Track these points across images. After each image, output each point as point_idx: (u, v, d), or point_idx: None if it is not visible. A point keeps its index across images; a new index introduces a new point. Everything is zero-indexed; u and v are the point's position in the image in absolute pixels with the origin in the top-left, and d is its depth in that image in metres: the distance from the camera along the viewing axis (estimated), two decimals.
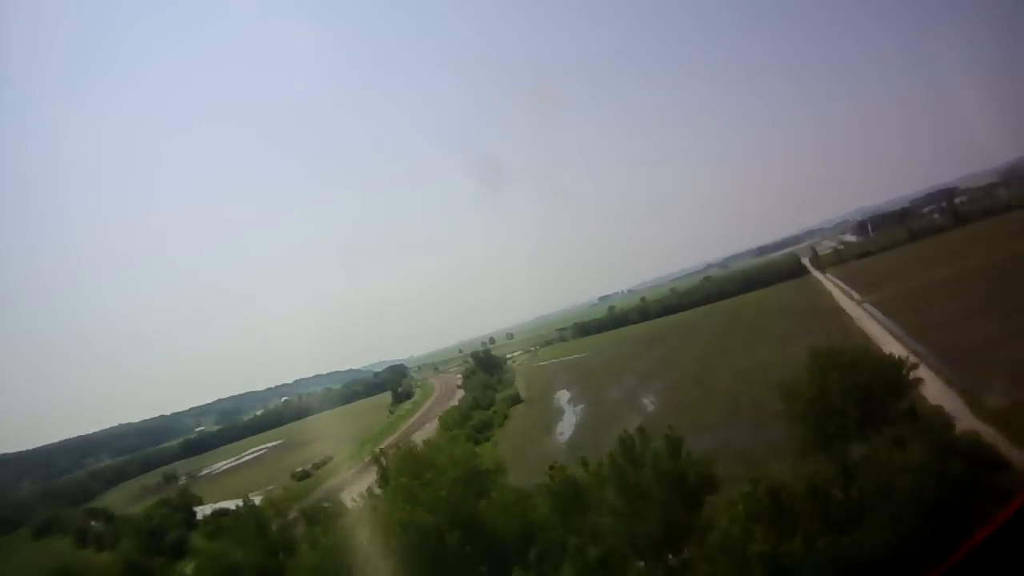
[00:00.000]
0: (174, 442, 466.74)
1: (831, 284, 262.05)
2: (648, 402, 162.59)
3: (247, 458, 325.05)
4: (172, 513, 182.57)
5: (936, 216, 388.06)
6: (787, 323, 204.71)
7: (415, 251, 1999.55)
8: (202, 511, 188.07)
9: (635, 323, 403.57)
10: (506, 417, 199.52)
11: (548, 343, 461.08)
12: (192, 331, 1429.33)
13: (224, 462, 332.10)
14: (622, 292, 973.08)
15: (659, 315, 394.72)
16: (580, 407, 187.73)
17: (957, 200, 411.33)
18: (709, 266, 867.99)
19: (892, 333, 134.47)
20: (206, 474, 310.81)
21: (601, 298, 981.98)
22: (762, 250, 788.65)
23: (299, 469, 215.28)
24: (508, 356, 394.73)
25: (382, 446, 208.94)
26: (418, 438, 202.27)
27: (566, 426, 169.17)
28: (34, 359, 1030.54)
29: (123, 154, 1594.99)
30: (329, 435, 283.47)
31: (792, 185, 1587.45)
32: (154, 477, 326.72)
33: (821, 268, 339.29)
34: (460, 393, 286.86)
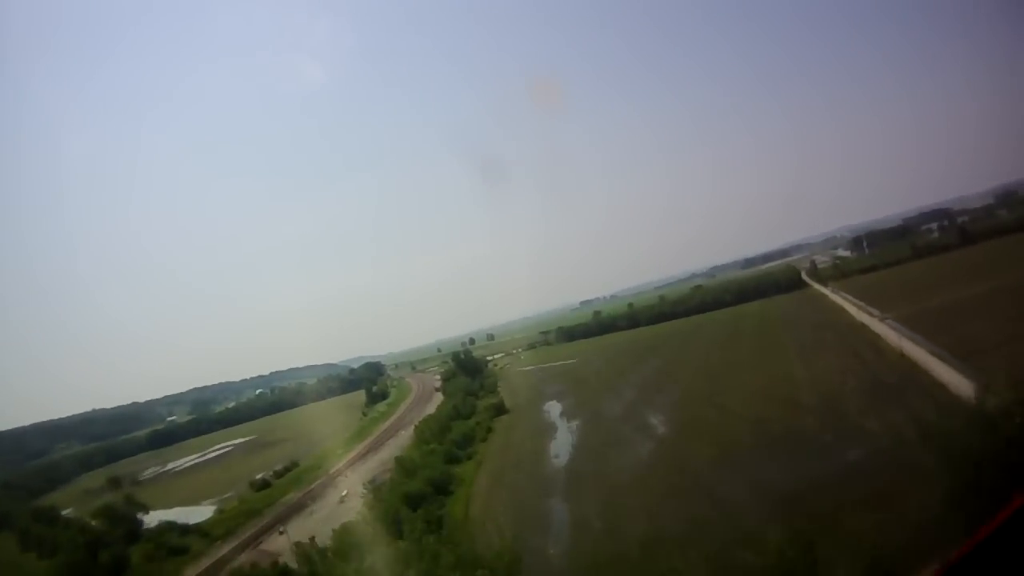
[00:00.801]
0: (142, 432, 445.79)
1: (839, 297, 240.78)
2: (657, 422, 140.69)
3: (213, 455, 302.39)
4: (114, 524, 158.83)
5: (937, 234, 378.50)
6: (800, 336, 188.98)
7: (398, 250, 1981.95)
8: (151, 519, 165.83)
9: (623, 329, 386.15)
10: (490, 430, 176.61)
11: (532, 346, 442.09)
12: (171, 320, 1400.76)
13: (189, 458, 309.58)
14: (605, 297, 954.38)
15: (649, 322, 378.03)
16: (575, 423, 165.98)
17: (959, 220, 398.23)
18: (693, 276, 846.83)
19: (935, 354, 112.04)
20: (169, 470, 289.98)
21: (583, 302, 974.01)
22: (749, 262, 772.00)
23: (259, 476, 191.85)
24: (489, 358, 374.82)
25: (352, 455, 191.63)
26: (389, 450, 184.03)
27: (561, 446, 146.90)
28: (11, 342, 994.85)
29: (108, 145, 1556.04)
30: (298, 435, 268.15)
31: (778, 199, 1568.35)
32: (113, 471, 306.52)
33: (822, 281, 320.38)
34: (438, 397, 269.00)
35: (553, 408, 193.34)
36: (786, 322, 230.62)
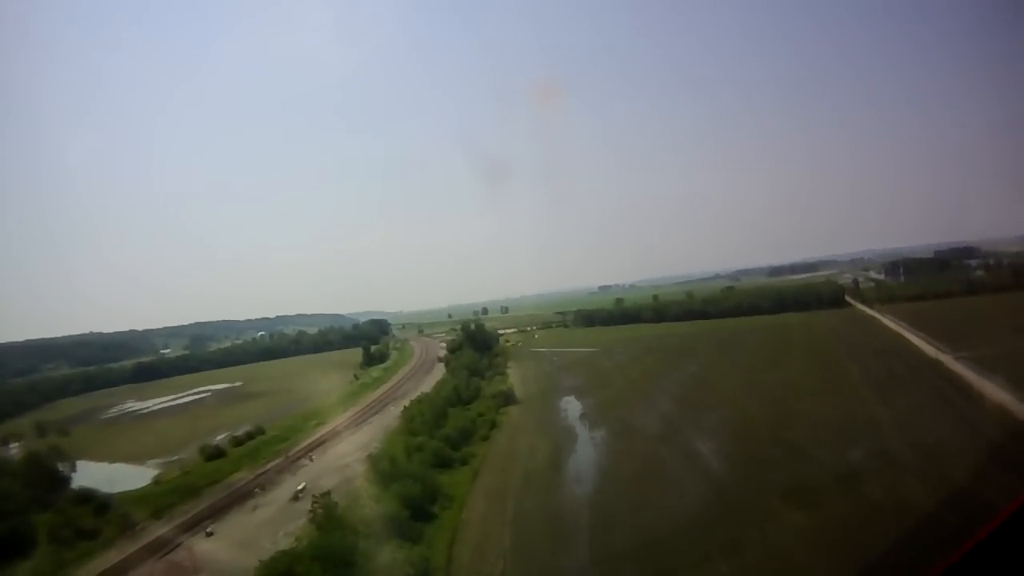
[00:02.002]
0: (129, 363, 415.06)
1: (893, 323, 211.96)
2: (706, 451, 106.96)
3: (187, 399, 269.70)
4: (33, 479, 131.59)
5: (981, 272, 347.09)
6: (865, 362, 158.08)
7: (422, 210, 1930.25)
8: (83, 475, 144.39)
9: (648, 322, 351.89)
10: (493, 425, 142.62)
11: (547, 326, 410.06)
12: (181, 250, 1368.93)
13: (163, 399, 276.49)
14: (624, 285, 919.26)
15: (676, 319, 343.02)
16: (600, 433, 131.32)
17: (1005, 260, 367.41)
18: (717, 276, 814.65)
19: None
20: (135, 410, 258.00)
21: (601, 287, 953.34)
22: (775, 270, 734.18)
23: (220, 438, 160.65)
24: (501, 332, 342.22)
25: (326, 429, 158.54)
26: (371, 430, 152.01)
27: (582, 464, 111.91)
28: (12, 253, 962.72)
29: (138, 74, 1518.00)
30: (281, 390, 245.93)
31: (805, 212, 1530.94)
32: (85, 401, 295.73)
33: (867, 302, 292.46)
34: (440, 369, 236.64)
35: (571, 407, 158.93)
36: (843, 342, 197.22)
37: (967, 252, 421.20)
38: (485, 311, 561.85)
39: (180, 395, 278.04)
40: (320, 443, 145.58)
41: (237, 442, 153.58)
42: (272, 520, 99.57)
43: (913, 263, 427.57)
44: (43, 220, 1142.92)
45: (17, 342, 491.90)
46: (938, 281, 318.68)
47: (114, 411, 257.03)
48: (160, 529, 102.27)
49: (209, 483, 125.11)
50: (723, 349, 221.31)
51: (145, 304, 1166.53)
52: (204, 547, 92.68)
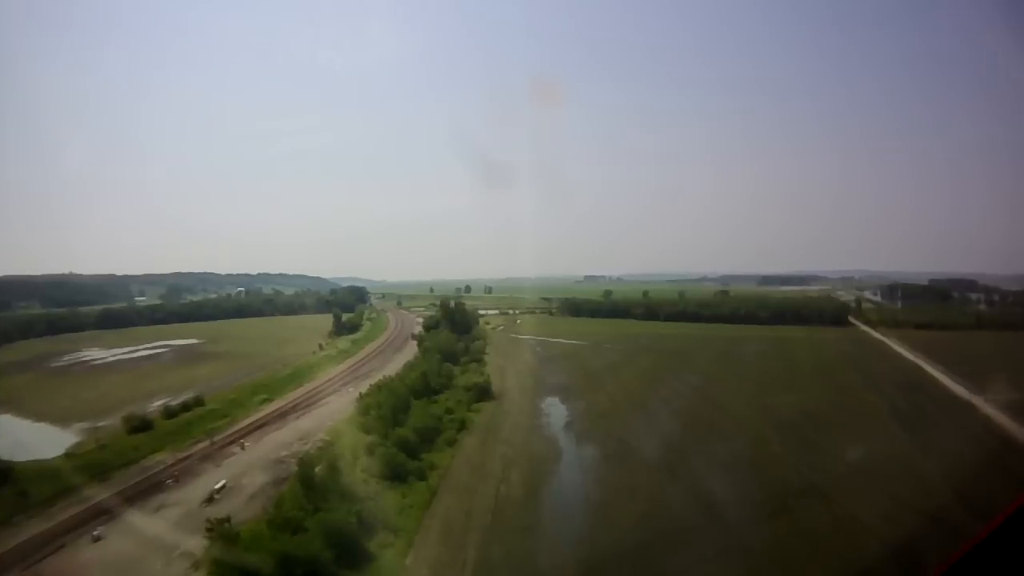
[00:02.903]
0: (96, 307, 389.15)
1: (906, 351, 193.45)
2: (725, 495, 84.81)
3: (143, 353, 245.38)
4: None
5: (983, 306, 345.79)
6: (888, 396, 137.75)
7: (413, 181, 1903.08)
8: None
9: (638, 318, 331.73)
10: (463, 426, 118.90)
11: (531, 311, 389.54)
12: (171, 195, 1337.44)
13: (119, 350, 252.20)
14: (610, 277, 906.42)
15: (668, 318, 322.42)
16: (590, 451, 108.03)
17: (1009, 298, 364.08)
18: (705, 279, 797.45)
19: None
20: (87, 360, 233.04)
21: (587, 277, 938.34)
22: (765, 280, 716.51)
23: (158, 404, 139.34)
24: (482, 313, 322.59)
25: (272, 408, 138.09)
26: (321, 414, 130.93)
27: (569, 498, 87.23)
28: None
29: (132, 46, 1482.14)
30: (240, 354, 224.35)
31: (801, 226, 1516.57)
32: (42, 344, 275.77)
33: (871, 324, 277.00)
34: (412, 347, 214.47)
35: (555, 412, 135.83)
36: (857, 367, 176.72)
37: (967, 284, 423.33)
38: (468, 289, 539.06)
39: (138, 348, 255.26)
40: (260, 426, 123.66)
41: (170, 413, 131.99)
42: (174, 528, 77.77)
43: (911, 288, 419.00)
44: (32, 157, 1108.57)
45: None
46: (942, 311, 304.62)
47: (67, 359, 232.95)
48: (43, 524, 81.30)
49: (123, 463, 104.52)
50: (725, 359, 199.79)
51: (128, 249, 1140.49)
52: (83, 557, 72.51)
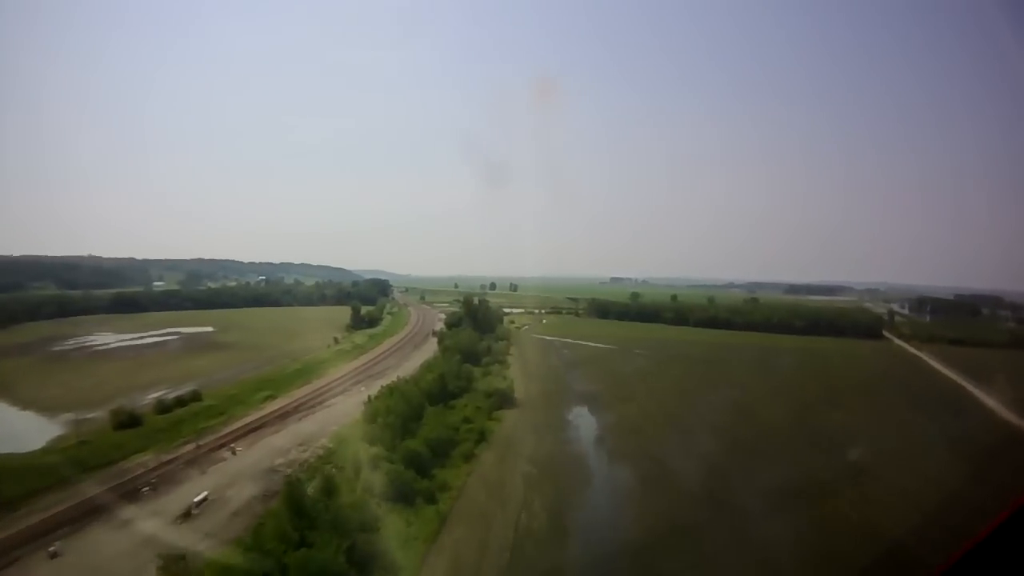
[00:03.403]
0: (109, 291, 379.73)
1: (951, 372, 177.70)
2: (772, 529, 72.45)
3: (152, 340, 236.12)
4: None
5: (1011, 324, 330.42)
6: (945, 425, 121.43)
7: (441, 175, 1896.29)
8: None
9: (667, 323, 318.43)
10: (481, 438, 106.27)
11: (557, 311, 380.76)
12: (195, 181, 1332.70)
13: (128, 335, 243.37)
14: (636, 280, 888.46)
15: (698, 324, 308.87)
16: (625, 476, 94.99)
17: None
18: (732, 285, 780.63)
19: None
20: (92, 345, 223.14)
21: (613, 278, 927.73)
22: (792, 288, 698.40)
23: (154, 396, 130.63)
24: (507, 311, 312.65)
25: (274, 407, 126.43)
26: (325, 417, 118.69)
27: (603, 537, 74.11)
28: (20, 167, 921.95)
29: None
30: (252, 344, 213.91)
31: (829, 237, 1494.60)
32: (49, 326, 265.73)
33: (903, 338, 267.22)
34: (432, 344, 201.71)
35: (584, 424, 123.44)
36: (898, 386, 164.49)
37: (994, 300, 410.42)
38: (493, 286, 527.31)
39: (146, 334, 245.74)
40: (257, 427, 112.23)
41: (163, 408, 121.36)
42: (139, 549, 66.29)
43: (939, 303, 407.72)
44: (55, 139, 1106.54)
45: (10, 257, 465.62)
46: (973, 327, 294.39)
47: (70, 343, 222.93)
48: (2, 531, 71.41)
49: (102, 463, 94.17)
50: (762, 371, 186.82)
51: (150, 234, 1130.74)
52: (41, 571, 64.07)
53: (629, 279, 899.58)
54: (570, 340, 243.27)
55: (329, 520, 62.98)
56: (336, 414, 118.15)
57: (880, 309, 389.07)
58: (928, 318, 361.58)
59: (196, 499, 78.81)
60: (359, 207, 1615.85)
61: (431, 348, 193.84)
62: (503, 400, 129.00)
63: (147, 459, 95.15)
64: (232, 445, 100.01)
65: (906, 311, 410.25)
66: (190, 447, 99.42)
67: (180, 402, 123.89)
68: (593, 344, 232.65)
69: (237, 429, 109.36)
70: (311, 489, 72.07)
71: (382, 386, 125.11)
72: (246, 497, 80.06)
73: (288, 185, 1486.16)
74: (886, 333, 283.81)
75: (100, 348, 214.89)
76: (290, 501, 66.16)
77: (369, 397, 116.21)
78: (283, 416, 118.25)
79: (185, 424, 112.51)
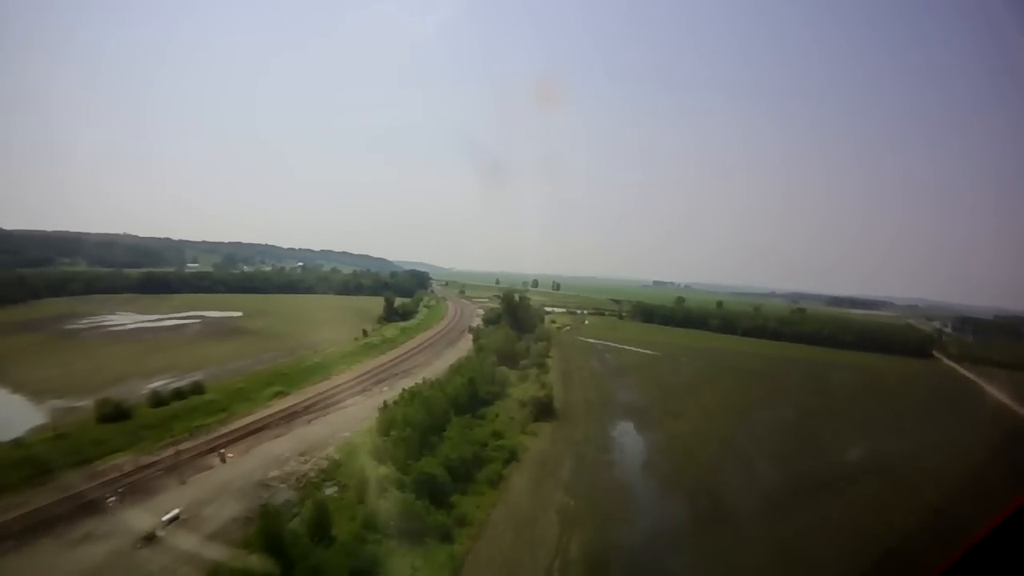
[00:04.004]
0: (139, 271, 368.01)
1: (1006, 397, 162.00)
2: None
3: (172, 323, 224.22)
4: None
5: None
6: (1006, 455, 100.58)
7: (485, 169, 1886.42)
8: None
9: (714, 331, 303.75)
10: (512, 457, 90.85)
11: (599, 312, 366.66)
12: (239, 163, 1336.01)
13: (149, 317, 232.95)
14: (679, 284, 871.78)
15: (746, 334, 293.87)
16: (678, 510, 79.92)
17: None
18: (774, 294, 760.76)
19: None
20: (105, 326, 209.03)
21: (656, 282, 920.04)
22: (835, 300, 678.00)
23: (155, 384, 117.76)
24: (548, 310, 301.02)
25: (283, 406, 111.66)
26: (341, 420, 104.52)
27: None
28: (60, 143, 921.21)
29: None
30: (277, 332, 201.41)
31: (870, 250, 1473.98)
32: (69, 303, 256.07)
33: (953, 359, 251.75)
34: (467, 341, 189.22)
35: (630, 442, 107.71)
36: (962, 414, 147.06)
37: None
38: (535, 284, 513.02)
39: (168, 316, 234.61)
40: (258, 429, 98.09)
41: (158, 400, 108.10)
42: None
43: (982, 323, 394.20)
44: (102, 115, 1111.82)
45: (46, 231, 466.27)
46: (1020, 350, 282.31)
47: (85, 322, 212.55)
48: None
49: (74, 462, 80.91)
50: (817, 388, 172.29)
51: (189, 214, 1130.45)
52: None
53: (672, 283, 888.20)
54: (613, 344, 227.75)
55: (310, 568, 48.80)
56: (350, 418, 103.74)
57: (925, 327, 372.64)
58: (971, 338, 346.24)
59: (165, 517, 65.24)
60: (404, 199, 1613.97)
61: (466, 345, 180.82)
62: (540, 410, 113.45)
63: (124, 461, 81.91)
64: (223, 451, 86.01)
65: (949, 330, 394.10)
66: (177, 448, 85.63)
67: (179, 394, 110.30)
68: (638, 350, 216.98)
69: (235, 430, 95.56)
70: (299, 519, 58.25)
71: (404, 389, 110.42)
72: (224, 518, 66.29)
73: (333, 173, 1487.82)
74: (935, 353, 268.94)
75: (115, 329, 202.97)
76: (263, 537, 52.17)
77: (385, 403, 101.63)
78: (290, 417, 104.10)
79: (179, 421, 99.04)
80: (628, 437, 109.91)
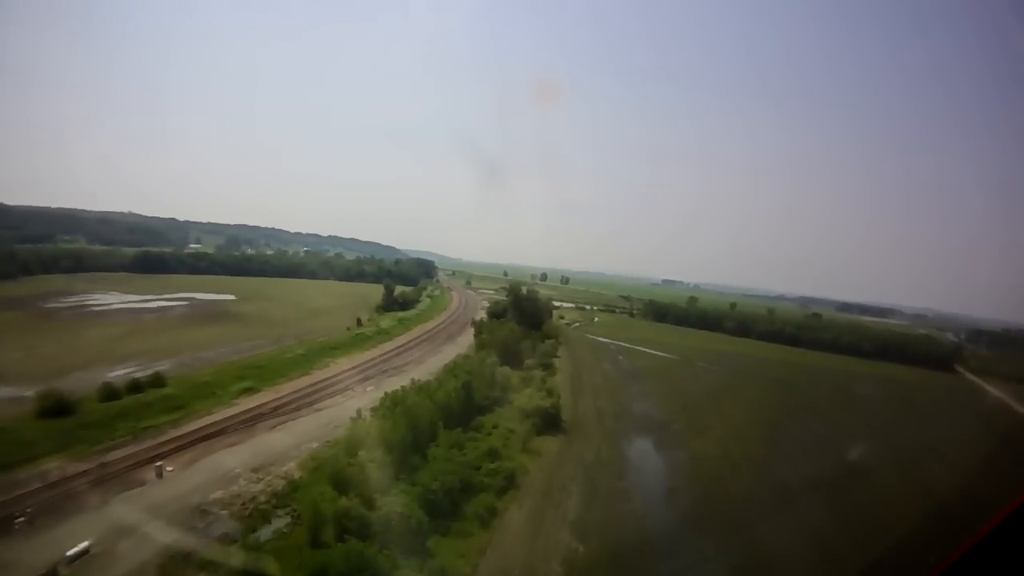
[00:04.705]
0: (133, 250, 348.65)
1: None
2: None
3: (157, 304, 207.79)
4: None
5: None
6: None
7: (495, 160, 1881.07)
8: None
9: (729, 333, 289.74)
10: (510, 483, 75.28)
11: (609, 309, 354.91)
12: (248, 145, 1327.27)
13: (134, 297, 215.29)
14: (688, 284, 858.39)
15: (761, 338, 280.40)
16: (711, 563, 63.11)
17: None
18: (783, 297, 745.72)
19: None
20: (86, 306, 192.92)
21: (665, 280, 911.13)
22: (844, 306, 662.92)
23: (117, 373, 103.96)
24: (557, 305, 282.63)
25: (244, 408, 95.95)
26: (311, 426, 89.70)
27: None
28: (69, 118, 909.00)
29: None
30: (268, 319, 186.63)
31: (876, 257, 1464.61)
32: (54, 281, 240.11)
33: (975, 373, 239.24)
34: (468, 336, 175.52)
35: (650, 465, 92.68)
36: (1005, 438, 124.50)
37: None
38: (544, 277, 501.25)
39: (157, 297, 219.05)
40: (212, 435, 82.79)
41: (111, 393, 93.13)
42: None
43: (996, 336, 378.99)
44: (113, 94, 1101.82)
45: (49, 208, 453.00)
46: None
47: (68, 301, 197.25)
48: None
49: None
50: (848, 402, 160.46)
51: (198, 195, 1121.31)
52: None
53: (680, 283, 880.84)
54: (626, 344, 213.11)
55: None
56: (323, 424, 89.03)
57: (946, 338, 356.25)
58: (985, 351, 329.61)
59: (72, 552, 50.96)
60: (416, 189, 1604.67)
61: (466, 341, 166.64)
62: (545, 422, 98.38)
63: (51, 469, 67.70)
64: (161, 463, 71.03)
65: (962, 341, 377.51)
66: (109, 456, 71.24)
67: (135, 387, 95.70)
68: (652, 352, 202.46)
69: (185, 435, 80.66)
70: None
71: (387, 393, 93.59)
72: (143, 557, 51.75)
73: (345, 160, 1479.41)
74: (958, 367, 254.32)
75: (97, 309, 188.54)
76: None
77: (359, 412, 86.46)
78: (253, 420, 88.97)
79: (126, 420, 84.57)
80: (647, 459, 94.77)
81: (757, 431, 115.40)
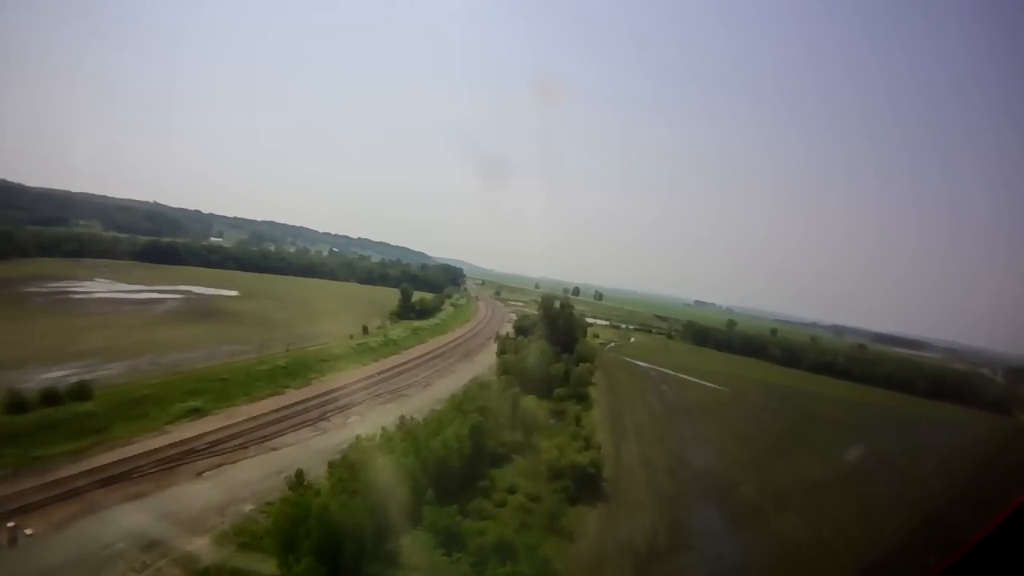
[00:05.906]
0: (143, 238, 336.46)
1: None
2: None
3: (147, 295, 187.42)
4: None
5: None
6: None
7: (530, 176, 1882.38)
8: None
9: (775, 362, 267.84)
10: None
11: (645, 328, 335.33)
12: (285, 143, 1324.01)
13: (127, 287, 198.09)
14: (720, 306, 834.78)
15: (809, 369, 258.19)
16: None
17: None
18: (816, 325, 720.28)
19: None
20: (64, 291, 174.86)
21: (697, 301, 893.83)
22: (879, 337, 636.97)
23: (50, 376, 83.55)
24: (590, 322, 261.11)
25: (194, 434, 70.94)
26: (276, 464, 63.87)
27: None
28: (123, 106, 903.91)
29: None
30: (262, 319, 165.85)
31: (908, 288, 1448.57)
32: (50, 265, 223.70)
33: None
34: (490, 354, 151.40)
35: (724, 552, 64.74)
36: None
37: None
38: (577, 292, 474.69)
39: (151, 288, 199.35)
40: (113, 479, 57.72)
41: (18, 404, 69.71)
42: None
43: None
44: (142, 83, 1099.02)
45: (70, 192, 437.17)
46: None
47: (53, 286, 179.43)
48: None
49: None
50: (928, 450, 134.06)
51: (225, 190, 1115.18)
52: None
53: (713, 304, 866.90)
54: (668, 371, 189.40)
55: None
56: (272, 471, 63.51)
57: (996, 377, 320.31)
58: None
59: None
60: (446, 194, 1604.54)
61: (487, 360, 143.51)
62: (582, 483, 72.92)
63: None
64: (15, 524, 47.12)
65: (1000, 378, 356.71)
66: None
67: (52, 397, 72.93)
68: (699, 381, 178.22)
69: (80, 475, 56.18)
70: None
71: (358, 436, 67.74)
72: None
73: (375, 160, 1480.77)
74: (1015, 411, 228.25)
75: (78, 297, 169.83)
76: None
77: (299, 476, 58.17)
78: (179, 458, 63.60)
79: (16, 443, 61.42)
80: (718, 546, 67.45)
81: (846, 499, 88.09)
